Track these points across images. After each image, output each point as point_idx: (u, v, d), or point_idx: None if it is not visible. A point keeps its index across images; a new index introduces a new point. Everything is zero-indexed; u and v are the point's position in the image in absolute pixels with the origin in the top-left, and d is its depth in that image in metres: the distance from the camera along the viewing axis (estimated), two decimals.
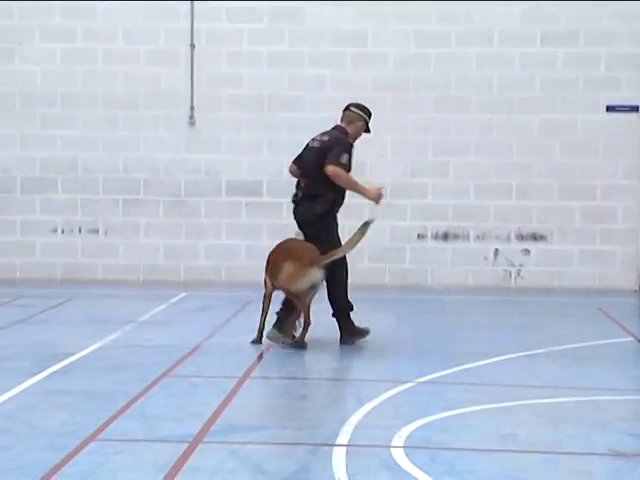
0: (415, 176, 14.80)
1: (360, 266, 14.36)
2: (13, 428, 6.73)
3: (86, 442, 6.35)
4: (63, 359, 9.01)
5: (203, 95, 14.87)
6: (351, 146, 9.73)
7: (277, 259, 9.65)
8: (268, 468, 5.91)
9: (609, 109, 14.57)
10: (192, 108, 14.85)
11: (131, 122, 14.88)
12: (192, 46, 14.84)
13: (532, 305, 13.30)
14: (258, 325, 9.74)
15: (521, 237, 14.80)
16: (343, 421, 6.95)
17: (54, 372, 8.52)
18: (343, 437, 6.58)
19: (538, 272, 14.79)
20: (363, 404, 7.49)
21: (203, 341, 10.06)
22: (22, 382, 8.05)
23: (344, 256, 9.67)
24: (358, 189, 9.74)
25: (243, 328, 10.82)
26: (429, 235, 14.85)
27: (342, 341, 9.76)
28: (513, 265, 14.82)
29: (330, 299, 9.76)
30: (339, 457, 6.11)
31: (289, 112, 14.69)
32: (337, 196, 9.69)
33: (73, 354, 9.26)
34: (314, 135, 10.08)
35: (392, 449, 6.29)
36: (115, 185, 14.93)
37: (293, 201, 9.92)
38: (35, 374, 8.37)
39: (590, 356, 9.62)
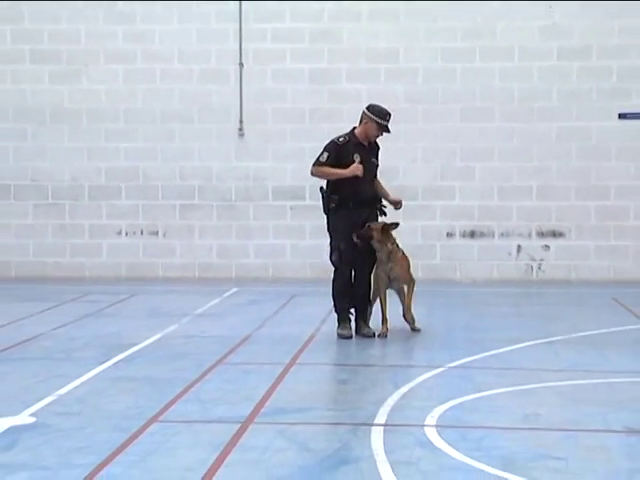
0: (444, 180, 14.75)
1: None
2: (84, 411, 6.77)
3: (148, 424, 6.37)
4: (127, 349, 9.06)
5: (251, 109, 14.89)
6: (335, 144, 9.60)
7: None
8: (313, 446, 5.90)
9: (621, 116, 14.45)
10: (241, 121, 14.89)
11: (186, 134, 14.93)
12: (241, 65, 14.87)
13: (552, 296, 13.22)
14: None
15: (541, 234, 14.71)
16: (381, 403, 6.94)
17: (119, 360, 8.56)
18: (381, 417, 6.56)
19: (557, 266, 14.69)
20: (399, 387, 7.47)
21: (253, 331, 10.07)
22: (91, 370, 8.10)
23: (345, 264, 9.57)
24: (337, 174, 9.51)
25: (289, 319, 10.85)
26: (457, 233, 14.79)
27: None
28: (534, 260, 14.73)
29: None
30: (377, 435, 6.10)
31: (329, 123, 14.61)
32: (345, 193, 9.52)
33: (136, 344, 9.30)
34: None
35: (425, 428, 6.27)
36: (173, 191, 14.99)
37: None
38: (103, 362, 8.41)
39: (606, 342, 9.55)
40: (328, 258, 9.78)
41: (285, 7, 14.79)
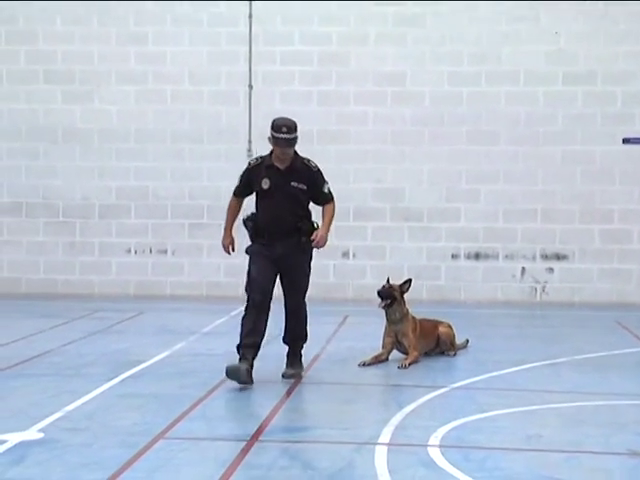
0: (449, 201, 14.75)
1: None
2: (91, 427, 6.77)
3: (155, 440, 6.37)
4: (135, 366, 9.06)
5: (259, 130, 14.88)
6: (247, 168, 8.52)
7: None
8: (317, 465, 5.90)
9: (624, 141, 14.46)
10: (250, 142, 14.92)
11: (196, 154, 14.97)
12: (250, 87, 14.92)
13: (555, 318, 13.19)
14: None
15: (545, 257, 14.70)
16: (385, 422, 6.93)
17: (127, 377, 8.56)
18: (385, 437, 6.55)
19: (561, 288, 14.67)
20: (402, 407, 7.46)
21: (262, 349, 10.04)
22: (99, 386, 8.10)
23: (256, 295, 8.24)
24: (225, 228, 8.70)
25: None
26: (462, 255, 14.79)
27: None
28: (538, 282, 14.72)
29: None
30: (381, 455, 6.09)
31: (336, 145, 14.71)
32: (261, 222, 8.41)
33: (144, 361, 9.30)
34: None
35: (429, 448, 6.26)
36: (181, 211, 15.01)
37: None
38: (111, 379, 8.42)
39: (608, 364, 9.53)
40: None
41: (294, 30, 14.85)
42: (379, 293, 9.39)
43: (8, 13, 15.08)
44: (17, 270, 15.21)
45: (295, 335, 8.64)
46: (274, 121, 8.40)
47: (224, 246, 8.73)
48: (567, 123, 14.56)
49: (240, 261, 14.79)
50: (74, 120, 15.13)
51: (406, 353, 9.40)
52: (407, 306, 9.49)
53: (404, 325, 9.39)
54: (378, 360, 9.35)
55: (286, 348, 8.76)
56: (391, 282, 9.52)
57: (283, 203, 8.29)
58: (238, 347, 8.29)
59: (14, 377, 8.55)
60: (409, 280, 9.56)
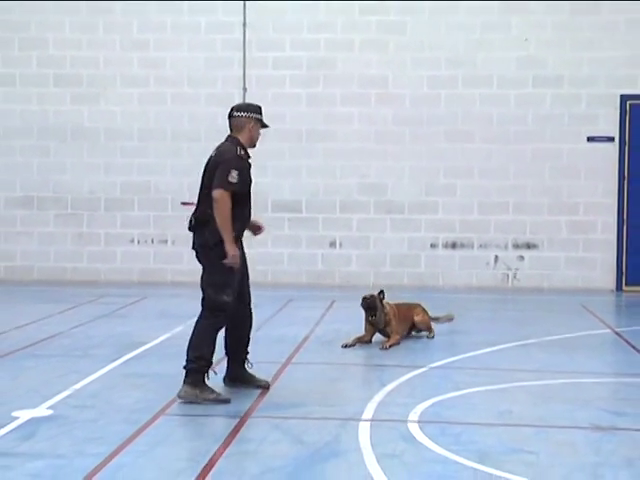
0: (429, 195, 14.73)
1: (383, 270, 14.39)
2: (96, 405, 6.76)
3: (155, 417, 6.37)
4: (138, 347, 9.05)
5: None
6: (240, 158, 7.05)
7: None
8: (305, 439, 5.89)
9: (589, 140, 14.45)
10: None
11: (194, 152, 14.87)
12: (244, 89, 14.86)
13: (526, 303, 13.20)
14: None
15: (517, 246, 14.70)
16: (368, 400, 6.94)
17: (130, 358, 8.55)
18: (368, 413, 6.56)
19: (531, 275, 14.68)
20: (385, 385, 7.47)
21: (253, 333, 9.97)
22: (104, 366, 8.09)
23: (230, 307, 7.08)
24: (225, 231, 6.82)
25: (285, 322, 10.83)
26: (440, 244, 14.78)
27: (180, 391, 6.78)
28: (510, 269, 14.72)
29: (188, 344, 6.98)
30: (364, 430, 6.10)
31: (324, 143, 14.68)
32: (237, 226, 7.06)
33: (146, 343, 9.29)
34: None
35: (408, 423, 6.27)
36: None
37: (188, 229, 7.19)
38: (115, 360, 8.41)
39: (574, 345, 9.54)
40: (211, 298, 7.23)
41: (285, 37, 14.79)
42: (363, 307, 9.35)
43: (21, 21, 14.99)
44: (29, 259, 15.15)
45: (247, 343, 7.38)
46: (252, 105, 7.26)
47: (231, 259, 6.90)
48: (536, 123, 14.55)
49: None
50: (82, 120, 15.06)
51: (388, 336, 9.39)
52: (385, 305, 9.44)
53: (386, 319, 9.38)
54: (360, 341, 9.34)
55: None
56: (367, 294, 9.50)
57: (250, 199, 7.14)
58: (200, 359, 6.81)
59: (26, 358, 8.52)
60: (382, 291, 9.52)
